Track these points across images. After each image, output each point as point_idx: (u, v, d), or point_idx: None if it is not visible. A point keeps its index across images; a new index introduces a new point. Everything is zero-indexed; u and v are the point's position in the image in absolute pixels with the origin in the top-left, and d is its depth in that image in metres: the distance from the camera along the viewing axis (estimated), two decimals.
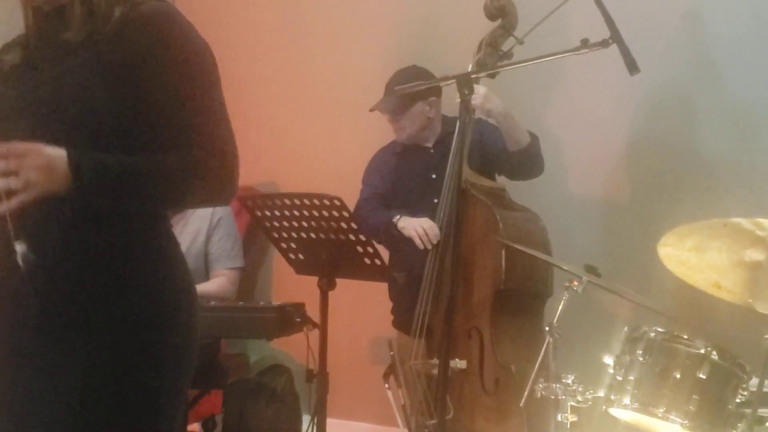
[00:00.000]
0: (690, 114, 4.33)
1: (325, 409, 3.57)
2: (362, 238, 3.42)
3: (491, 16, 3.91)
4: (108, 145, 1.99)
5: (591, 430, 3.19)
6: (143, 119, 2.01)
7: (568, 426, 3.13)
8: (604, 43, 3.25)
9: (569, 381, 3.15)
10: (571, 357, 3.31)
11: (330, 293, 3.56)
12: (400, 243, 4.01)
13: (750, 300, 3.00)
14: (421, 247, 3.86)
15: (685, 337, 3.05)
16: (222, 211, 4.41)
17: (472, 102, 3.65)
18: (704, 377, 2.95)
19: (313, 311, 3.72)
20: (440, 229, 3.85)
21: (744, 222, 2.89)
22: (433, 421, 3.52)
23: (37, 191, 1.87)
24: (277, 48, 5.39)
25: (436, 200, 3.92)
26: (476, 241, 3.76)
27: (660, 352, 3.05)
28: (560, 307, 3.25)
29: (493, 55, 3.85)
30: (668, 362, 3.03)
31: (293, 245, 3.58)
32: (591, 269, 3.31)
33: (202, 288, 3.83)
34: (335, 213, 3.36)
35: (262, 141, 5.09)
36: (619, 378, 3.08)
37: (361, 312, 4.77)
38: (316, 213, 3.39)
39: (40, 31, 2.10)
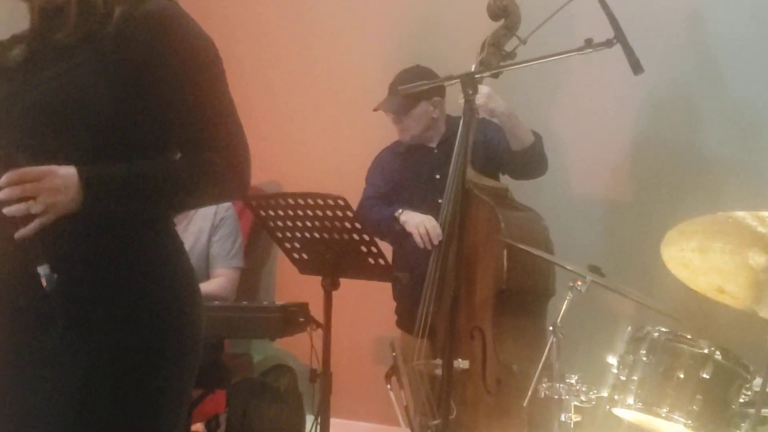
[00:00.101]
0: (692, 114, 4.34)
1: (328, 409, 3.56)
2: (366, 237, 3.42)
3: (494, 16, 3.90)
4: (113, 145, 1.99)
5: (594, 430, 3.19)
6: (148, 118, 2.02)
7: (572, 426, 3.14)
8: (608, 43, 3.25)
9: (573, 381, 3.15)
10: (574, 357, 3.32)
11: (334, 293, 3.55)
12: (402, 239, 4.01)
13: (753, 306, 2.99)
14: (421, 246, 3.87)
15: (689, 337, 3.06)
16: (224, 211, 4.41)
17: (476, 102, 3.66)
18: (708, 377, 2.95)
19: (316, 311, 3.71)
20: (443, 228, 3.86)
21: (748, 216, 2.88)
22: (436, 421, 3.53)
23: (57, 213, 1.90)
24: (281, 48, 5.39)
25: (440, 200, 3.92)
26: (479, 241, 3.77)
27: (663, 352, 3.05)
28: (564, 307, 3.26)
29: (496, 55, 3.84)
30: (672, 362, 3.03)
31: (297, 245, 3.57)
32: (595, 269, 3.32)
33: (201, 287, 3.83)
34: (339, 213, 3.36)
35: (266, 141, 5.07)
36: (623, 378, 3.08)
37: (364, 312, 4.77)
38: (319, 213, 3.39)
39: (42, 29, 2.10)
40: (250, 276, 5.02)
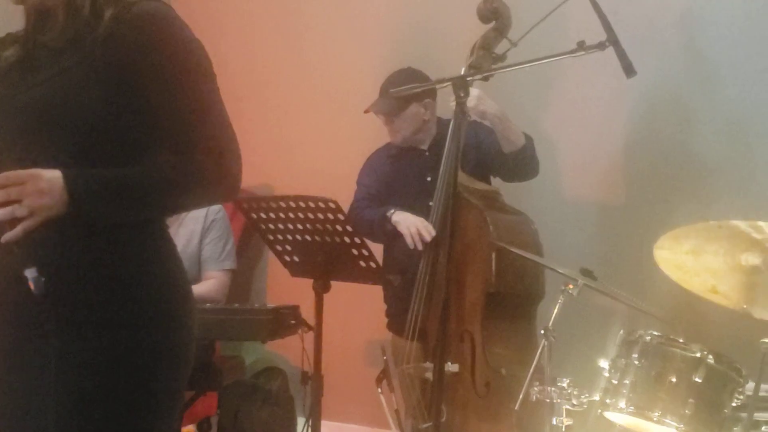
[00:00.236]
0: (685, 116, 4.34)
1: (319, 411, 3.56)
2: (357, 240, 3.42)
3: (484, 19, 3.89)
4: (102, 147, 1.99)
5: None
6: (138, 120, 2.01)
7: (563, 429, 3.14)
8: (600, 46, 3.24)
9: (564, 384, 3.15)
10: (566, 360, 3.32)
11: (325, 296, 3.55)
12: (394, 240, 4.01)
13: (746, 306, 3.00)
14: (412, 246, 3.86)
15: (681, 340, 3.06)
16: (215, 214, 4.41)
17: (467, 104, 3.65)
18: (700, 381, 2.95)
19: (307, 313, 3.71)
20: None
21: (741, 224, 2.89)
22: (426, 424, 3.52)
23: (42, 216, 1.91)
24: (272, 50, 5.39)
25: (431, 203, 3.91)
26: (468, 244, 3.76)
27: (656, 356, 3.05)
28: (555, 311, 3.26)
29: (486, 57, 3.83)
30: (664, 366, 3.03)
31: (288, 248, 3.57)
32: (587, 272, 3.32)
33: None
34: (330, 216, 3.36)
35: (257, 144, 5.08)
36: (615, 381, 3.08)
37: (355, 314, 4.77)
38: (311, 215, 3.39)
39: (33, 31, 2.10)
40: (242, 278, 5.02)
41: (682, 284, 3.14)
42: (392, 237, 4.01)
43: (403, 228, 3.91)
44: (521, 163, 4.02)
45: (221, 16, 5.40)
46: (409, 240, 3.86)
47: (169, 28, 2.03)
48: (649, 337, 3.07)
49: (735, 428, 2.96)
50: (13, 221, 1.88)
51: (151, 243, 2.08)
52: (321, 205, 3.35)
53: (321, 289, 3.53)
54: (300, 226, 3.44)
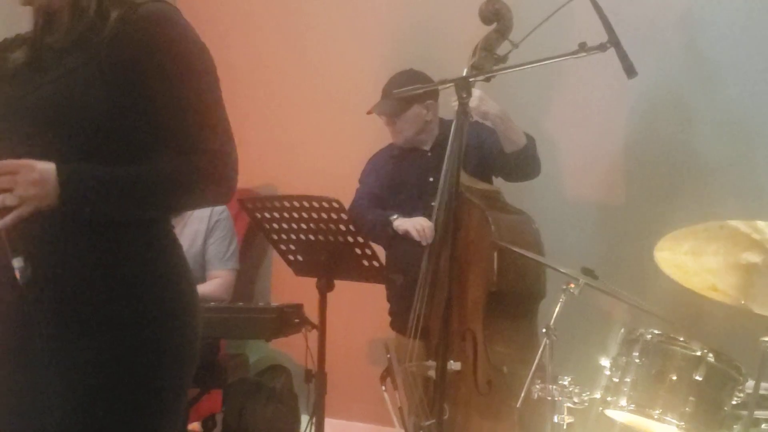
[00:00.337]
0: (686, 117, 4.35)
1: (323, 409, 3.57)
2: (360, 240, 3.43)
3: (486, 20, 3.90)
4: (109, 148, 2.00)
5: (587, 431, 3.20)
6: (142, 121, 2.02)
7: (565, 427, 3.14)
8: (601, 47, 3.25)
9: (566, 382, 3.16)
10: (567, 359, 3.32)
11: (328, 294, 3.56)
12: (394, 240, 4.03)
13: (745, 302, 3.01)
14: (417, 239, 3.88)
15: (681, 339, 3.06)
16: (220, 214, 4.42)
17: (469, 105, 3.66)
18: (700, 379, 2.95)
19: (311, 312, 3.73)
20: (435, 231, 3.87)
21: (741, 225, 2.90)
22: (429, 422, 3.54)
23: (33, 206, 1.91)
24: (275, 51, 5.40)
25: (433, 203, 3.93)
26: (470, 244, 3.78)
27: (656, 354, 3.05)
28: (557, 309, 3.26)
29: (488, 58, 3.85)
30: (664, 364, 3.03)
31: (292, 247, 3.59)
32: (588, 272, 3.33)
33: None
34: (334, 215, 3.38)
35: (261, 144, 5.11)
36: (616, 380, 3.09)
37: (359, 313, 4.78)
38: (314, 215, 3.40)
39: (42, 33, 2.11)
40: (246, 277, 5.04)
41: (682, 283, 3.14)
42: (394, 240, 4.03)
43: (408, 226, 3.93)
44: (523, 163, 4.03)
45: (223, 17, 5.41)
46: (415, 234, 3.88)
47: (175, 30, 2.04)
48: (650, 336, 3.08)
49: (735, 426, 2.96)
50: (3, 210, 1.88)
51: (156, 242, 2.09)
52: (324, 204, 3.36)
53: (324, 288, 3.55)
54: (304, 226, 3.46)
